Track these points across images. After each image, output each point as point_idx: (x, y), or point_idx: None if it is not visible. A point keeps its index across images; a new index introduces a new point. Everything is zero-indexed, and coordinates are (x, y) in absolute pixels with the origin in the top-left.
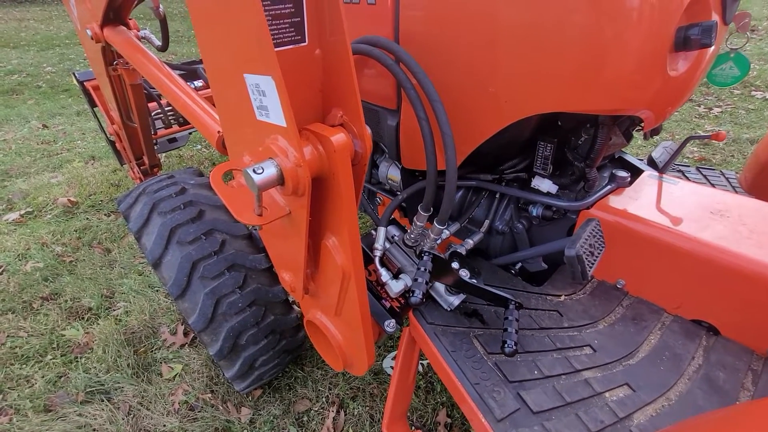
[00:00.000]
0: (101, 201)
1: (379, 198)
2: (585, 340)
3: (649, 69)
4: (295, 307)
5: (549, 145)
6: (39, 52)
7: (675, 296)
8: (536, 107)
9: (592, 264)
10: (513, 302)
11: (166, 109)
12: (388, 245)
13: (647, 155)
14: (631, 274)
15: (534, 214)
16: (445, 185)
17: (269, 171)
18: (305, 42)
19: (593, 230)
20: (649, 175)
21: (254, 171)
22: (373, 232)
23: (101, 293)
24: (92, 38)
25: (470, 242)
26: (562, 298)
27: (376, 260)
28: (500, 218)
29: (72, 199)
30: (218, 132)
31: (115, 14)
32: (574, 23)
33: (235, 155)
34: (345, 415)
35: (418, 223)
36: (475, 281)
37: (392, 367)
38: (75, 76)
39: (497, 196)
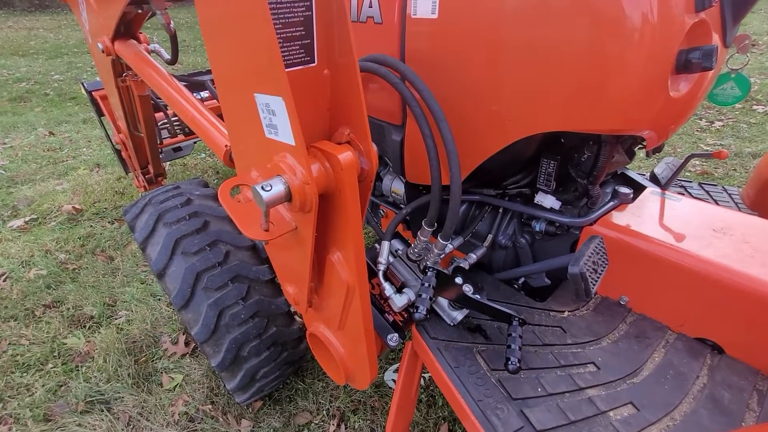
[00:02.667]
0: (105, 208)
1: (383, 210)
2: (589, 357)
3: (651, 90)
4: (297, 318)
5: (552, 162)
6: (47, 61)
7: (679, 314)
8: (539, 126)
9: (596, 281)
10: (516, 318)
11: (172, 119)
12: (391, 259)
13: (650, 171)
14: (634, 290)
15: (537, 229)
16: (449, 202)
17: (277, 188)
18: (314, 63)
19: (596, 248)
20: (651, 191)
21: (263, 188)
22: (377, 246)
23: (103, 301)
24: (103, 51)
25: (473, 257)
26: (566, 314)
27: (380, 274)
28: (503, 233)
29: (76, 206)
30: (225, 146)
31: (126, 28)
32: (576, 43)
33: (242, 170)
34: (345, 428)
35: (422, 238)
36: (478, 297)
37: (394, 381)
38: (83, 86)
39: (500, 210)
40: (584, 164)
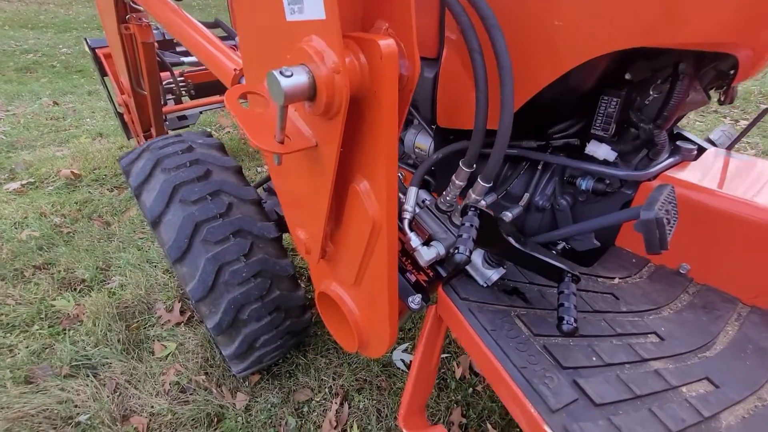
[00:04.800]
0: (105, 175)
1: (402, 173)
2: (650, 327)
3: None
4: (302, 285)
5: (615, 99)
6: (56, 34)
7: (753, 285)
8: (612, 42)
9: (669, 234)
10: (569, 274)
11: (178, 79)
12: (417, 210)
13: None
14: (698, 257)
15: (583, 187)
16: (498, 131)
17: (300, 77)
18: None
19: (669, 196)
20: (716, 150)
21: (281, 73)
22: (400, 195)
23: (96, 265)
24: None
25: (509, 215)
26: (616, 281)
27: (405, 224)
28: (541, 193)
29: (75, 171)
30: (234, 70)
31: None
32: None
33: (254, 78)
34: (349, 408)
35: (457, 182)
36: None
37: (402, 360)
38: (87, 42)
39: (539, 167)
40: (651, 105)
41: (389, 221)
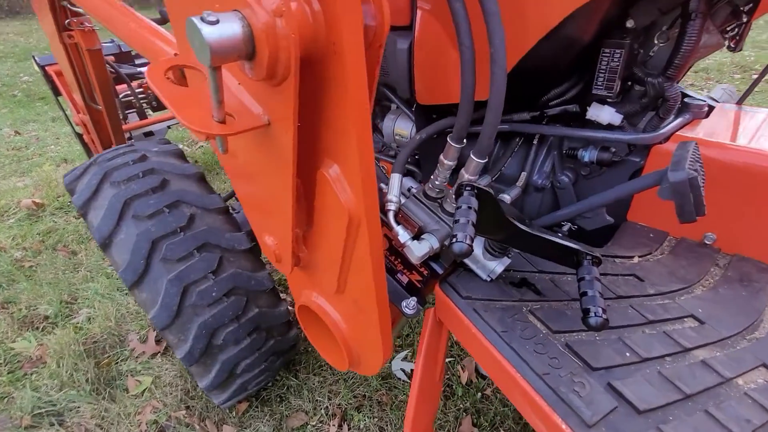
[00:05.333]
0: (71, 202)
1: (383, 167)
2: (684, 310)
3: None
4: (286, 298)
5: (618, 51)
6: (16, 63)
7: None
8: None
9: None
10: (588, 257)
11: (137, 91)
12: (403, 200)
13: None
14: (724, 224)
15: (586, 159)
16: (491, 92)
17: (229, 26)
18: None
19: (695, 153)
20: (726, 106)
21: (203, 20)
22: (382, 185)
23: (61, 299)
24: None
25: (507, 197)
26: (636, 259)
27: (390, 216)
28: (539, 171)
29: (37, 200)
30: (175, 55)
31: None
32: None
33: (186, 50)
34: (349, 429)
35: (446, 162)
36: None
37: (404, 371)
38: (35, 60)
39: (535, 141)
40: (658, 55)
41: (369, 212)
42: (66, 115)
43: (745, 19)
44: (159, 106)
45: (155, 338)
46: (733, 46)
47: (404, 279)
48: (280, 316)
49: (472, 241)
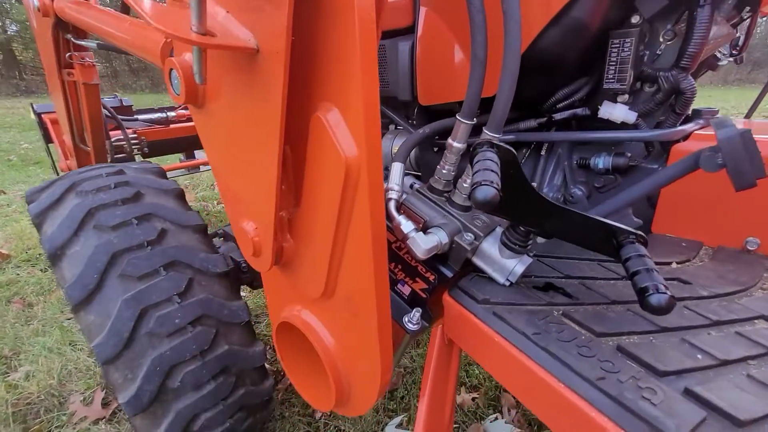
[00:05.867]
0: (40, 254)
1: None
2: (752, 311)
3: None
4: (260, 341)
5: (628, 40)
6: (20, 132)
7: None
8: None
9: None
10: (632, 236)
11: (130, 136)
12: (404, 197)
13: None
14: None
15: (600, 166)
16: (504, 64)
17: None
18: None
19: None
20: (735, 117)
21: None
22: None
23: (1, 354)
24: (39, 11)
25: None
26: (674, 265)
27: (391, 205)
28: (549, 184)
29: (4, 252)
30: (165, 39)
31: None
32: None
33: None
34: None
35: (455, 144)
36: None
37: None
38: (33, 108)
39: (543, 152)
40: (668, 50)
41: (371, 163)
42: (53, 161)
43: (748, 14)
44: (150, 153)
45: (102, 400)
46: (735, 53)
47: (406, 290)
48: (255, 359)
49: (499, 190)
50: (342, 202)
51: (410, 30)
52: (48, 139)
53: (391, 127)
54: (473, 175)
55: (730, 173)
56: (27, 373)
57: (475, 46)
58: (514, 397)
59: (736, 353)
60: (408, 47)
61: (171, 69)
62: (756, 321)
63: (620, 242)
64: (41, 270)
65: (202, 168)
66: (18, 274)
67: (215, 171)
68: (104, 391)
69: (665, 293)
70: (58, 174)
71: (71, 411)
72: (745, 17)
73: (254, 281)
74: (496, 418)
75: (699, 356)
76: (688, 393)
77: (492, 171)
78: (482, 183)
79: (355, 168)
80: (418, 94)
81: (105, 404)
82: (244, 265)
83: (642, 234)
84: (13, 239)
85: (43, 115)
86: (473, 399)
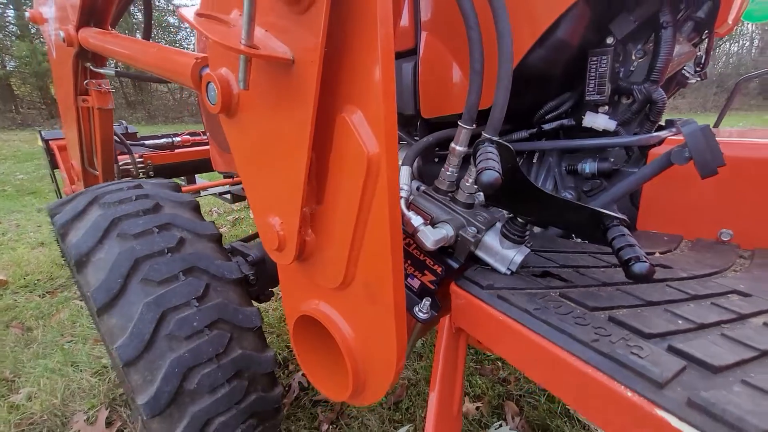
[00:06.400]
0: (38, 280)
1: None
2: (726, 287)
3: None
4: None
5: (604, 57)
6: (16, 164)
7: None
8: None
9: None
10: (615, 220)
11: (137, 160)
12: (411, 198)
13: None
14: (739, 220)
15: (587, 171)
16: (499, 70)
17: None
18: None
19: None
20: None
21: None
22: None
23: (1, 377)
24: (64, 41)
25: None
26: (657, 255)
27: (402, 203)
28: None
29: (1, 278)
30: (195, 59)
31: (96, 19)
32: None
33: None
34: None
35: (457, 148)
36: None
37: None
38: (40, 135)
39: (535, 160)
40: (640, 67)
41: (389, 158)
42: (57, 186)
43: (706, 35)
44: (156, 176)
45: (106, 419)
46: (699, 70)
47: (415, 283)
48: (266, 364)
49: (501, 174)
50: (363, 194)
51: (412, 52)
52: (53, 165)
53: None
54: (477, 164)
55: (696, 164)
56: (29, 393)
57: (472, 60)
58: (517, 403)
59: (711, 318)
60: (411, 67)
61: (208, 82)
62: (729, 295)
63: (606, 226)
64: (39, 295)
65: (202, 193)
66: (16, 300)
67: (242, 170)
68: (108, 410)
69: (646, 262)
70: (61, 198)
71: (75, 430)
72: (704, 38)
73: (261, 295)
74: (501, 425)
75: (680, 322)
76: (671, 349)
77: (493, 160)
78: (486, 168)
79: (375, 162)
80: (420, 109)
81: (109, 423)
82: (252, 278)
83: (625, 218)
84: (10, 266)
85: (50, 142)
86: (477, 408)
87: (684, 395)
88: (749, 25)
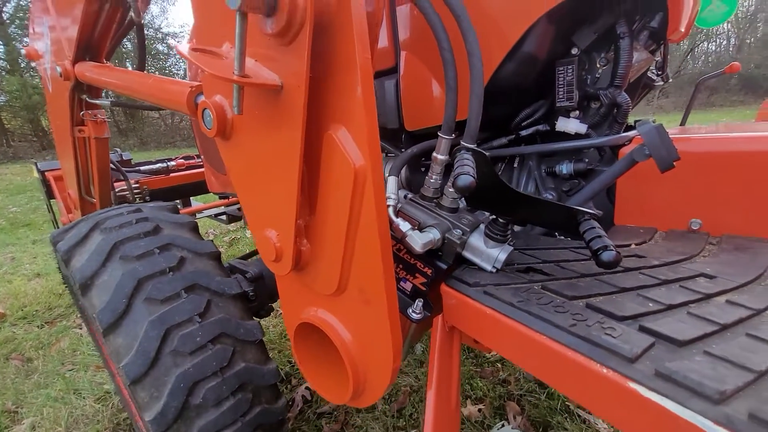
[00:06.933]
0: (36, 311)
1: None
2: (694, 271)
3: None
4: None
5: (569, 66)
6: (8, 197)
7: None
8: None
9: None
10: (586, 215)
11: (133, 186)
12: (400, 204)
13: None
14: (708, 209)
15: (564, 172)
16: (471, 80)
17: None
18: None
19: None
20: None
21: None
22: None
23: (4, 408)
24: (61, 76)
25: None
26: (633, 246)
27: (390, 210)
28: (523, 191)
29: None
30: (190, 88)
31: (92, 54)
32: None
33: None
34: None
35: (439, 157)
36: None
37: None
38: (36, 167)
39: (515, 164)
40: (604, 73)
41: (374, 167)
42: (54, 216)
43: (661, 43)
44: (152, 201)
45: None
46: (660, 73)
47: (408, 286)
48: (269, 376)
49: (476, 178)
50: (352, 204)
51: (393, 70)
52: (50, 195)
53: (383, 154)
54: (454, 170)
55: (654, 159)
56: (32, 423)
57: (447, 78)
58: (518, 403)
59: (679, 300)
60: (393, 84)
61: (204, 109)
62: (697, 278)
63: (579, 221)
64: (38, 326)
65: (198, 215)
66: (14, 332)
67: (239, 188)
68: None
69: (613, 250)
70: (58, 227)
71: None
72: (660, 44)
73: (260, 311)
74: (503, 425)
75: (650, 304)
76: (641, 328)
77: (468, 165)
78: (461, 174)
79: (362, 173)
80: (404, 122)
81: None
82: (252, 294)
83: (595, 212)
84: (7, 299)
85: (46, 173)
86: (479, 410)
87: (652, 368)
88: (725, 25)
